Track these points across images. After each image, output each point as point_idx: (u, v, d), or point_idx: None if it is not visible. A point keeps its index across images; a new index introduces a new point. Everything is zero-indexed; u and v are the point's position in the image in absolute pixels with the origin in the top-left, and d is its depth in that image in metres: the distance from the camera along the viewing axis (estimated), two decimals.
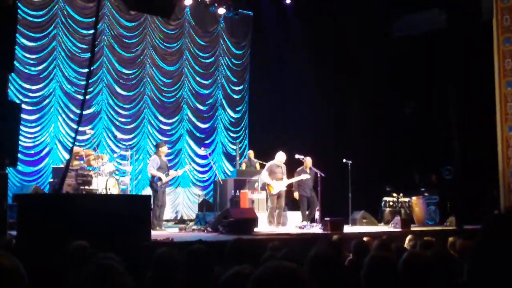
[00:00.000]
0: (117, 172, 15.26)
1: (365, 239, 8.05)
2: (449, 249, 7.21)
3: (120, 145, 17.14)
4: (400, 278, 3.94)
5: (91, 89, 16.43)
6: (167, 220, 17.00)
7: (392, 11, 19.15)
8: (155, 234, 10.82)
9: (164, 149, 13.94)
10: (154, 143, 18.01)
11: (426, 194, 17.05)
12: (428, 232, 12.86)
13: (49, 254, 6.28)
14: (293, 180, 14.26)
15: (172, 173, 14.35)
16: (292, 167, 14.55)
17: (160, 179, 13.23)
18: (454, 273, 4.54)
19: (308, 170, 14.76)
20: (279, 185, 13.90)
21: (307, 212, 14.65)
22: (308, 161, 14.82)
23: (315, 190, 14.88)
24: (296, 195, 14.66)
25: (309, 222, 14.32)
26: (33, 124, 15.88)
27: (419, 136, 18.77)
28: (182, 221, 17.43)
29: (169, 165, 17.64)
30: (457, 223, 15.03)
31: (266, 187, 14.14)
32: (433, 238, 7.65)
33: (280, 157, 14.11)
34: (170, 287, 4.34)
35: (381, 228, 14.99)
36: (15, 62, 12.07)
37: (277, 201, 13.94)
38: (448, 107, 16.73)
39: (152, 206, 13.20)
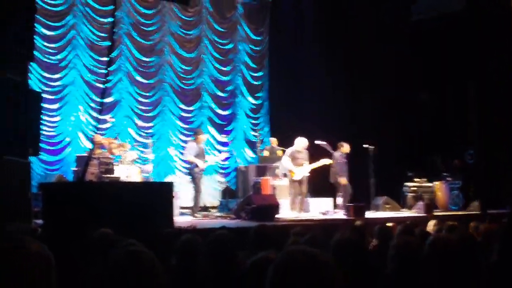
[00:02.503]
0: (139, 160, 15.32)
1: (388, 224, 8.03)
2: (472, 233, 7.17)
3: (141, 133, 17.19)
4: (425, 262, 3.92)
5: (110, 78, 16.45)
6: (190, 208, 17.04)
7: None
8: (179, 221, 10.86)
9: (203, 137, 13.98)
10: (175, 131, 18.13)
11: (449, 178, 16.91)
12: (452, 216, 12.80)
13: (74, 241, 6.32)
14: (315, 165, 14.13)
15: (211, 158, 14.36)
16: (313, 152, 14.44)
17: (197, 165, 13.23)
18: (478, 257, 4.51)
19: (345, 156, 14.68)
20: (301, 171, 13.83)
21: (341, 199, 14.45)
22: (346, 147, 14.69)
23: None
24: (341, 180, 14.52)
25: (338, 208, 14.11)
26: (55, 114, 15.93)
27: (440, 121, 18.62)
28: (205, 208, 17.41)
29: None
30: (481, 208, 14.95)
31: (288, 173, 14.08)
32: (456, 222, 7.63)
33: (301, 142, 14.00)
34: (194, 273, 4.34)
35: (404, 213, 14.94)
36: (35, 52, 12.12)
37: (299, 187, 13.91)
38: (468, 90, 16.60)
39: (193, 193, 13.46)
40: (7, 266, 1.78)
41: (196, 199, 13.52)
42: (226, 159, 18.53)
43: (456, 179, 16.97)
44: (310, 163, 14.03)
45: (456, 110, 18.18)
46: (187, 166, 13.87)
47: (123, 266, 2.27)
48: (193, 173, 13.27)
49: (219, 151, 18.57)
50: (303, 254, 1.98)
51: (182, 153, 18.00)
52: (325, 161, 14.21)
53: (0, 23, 8.01)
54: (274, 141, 17.59)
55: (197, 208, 13.58)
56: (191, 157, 13.28)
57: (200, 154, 13.45)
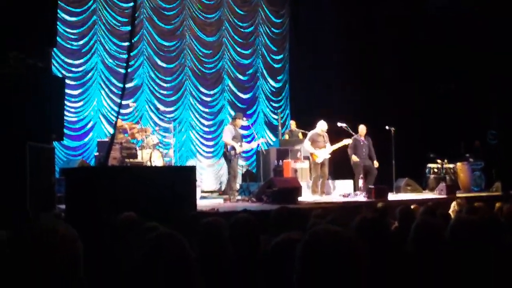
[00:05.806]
0: (160, 145, 15.40)
1: (410, 206, 8.01)
2: (497, 213, 7.14)
3: (162, 117, 17.26)
4: (448, 242, 3.92)
5: (132, 62, 16.53)
6: (212, 192, 17.10)
7: None
8: (201, 204, 10.91)
9: (241, 121, 13.90)
10: (196, 115, 18.18)
11: (471, 159, 16.81)
12: (474, 198, 12.73)
13: (98, 225, 6.39)
14: (336, 146, 14.10)
15: (245, 145, 14.38)
16: (334, 135, 14.41)
17: (234, 148, 13.22)
18: (501, 237, 4.50)
19: (363, 138, 14.61)
20: (323, 153, 13.85)
21: (361, 181, 14.42)
22: (361, 129, 14.66)
23: (371, 159, 14.73)
24: (354, 157, 14.45)
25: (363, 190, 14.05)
26: (77, 99, 16.05)
27: (462, 101, 18.47)
28: (225, 192, 17.51)
29: (212, 136, 17.68)
30: (503, 188, 14.87)
31: (310, 156, 14.07)
32: (478, 203, 7.60)
33: (322, 125, 14.03)
34: (216, 255, 4.38)
35: (426, 195, 14.88)
36: (57, 38, 12.20)
37: (321, 169, 13.91)
38: (490, 71, 16.46)
39: (227, 177, 13.49)
40: (38, 249, 1.83)
41: (231, 182, 13.51)
42: (249, 142, 18.62)
43: (478, 160, 16.88)
44: (331, 145, 14.02)
45: (478, 90, 18.03)
46: (223, 149, 13.82)
47: (156, 248, 2.31)
48: (230, 156, 13.24)
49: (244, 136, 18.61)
50: (329, 232, 2.03)
51: (203, 137, 18.13)
52: (345, 141, 14.19)
53: (23, 11, 8.07)
54: (293, 124, 17.59)
55: (233, 191, 13.55)
56: (229, 139, 13.24)
57: (237, 138, 13.43)
